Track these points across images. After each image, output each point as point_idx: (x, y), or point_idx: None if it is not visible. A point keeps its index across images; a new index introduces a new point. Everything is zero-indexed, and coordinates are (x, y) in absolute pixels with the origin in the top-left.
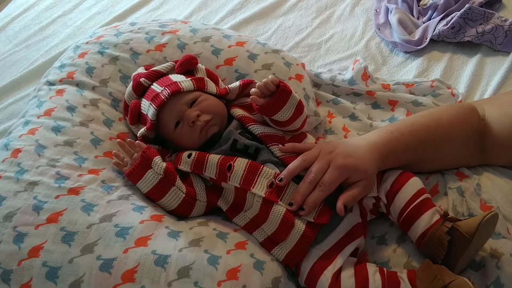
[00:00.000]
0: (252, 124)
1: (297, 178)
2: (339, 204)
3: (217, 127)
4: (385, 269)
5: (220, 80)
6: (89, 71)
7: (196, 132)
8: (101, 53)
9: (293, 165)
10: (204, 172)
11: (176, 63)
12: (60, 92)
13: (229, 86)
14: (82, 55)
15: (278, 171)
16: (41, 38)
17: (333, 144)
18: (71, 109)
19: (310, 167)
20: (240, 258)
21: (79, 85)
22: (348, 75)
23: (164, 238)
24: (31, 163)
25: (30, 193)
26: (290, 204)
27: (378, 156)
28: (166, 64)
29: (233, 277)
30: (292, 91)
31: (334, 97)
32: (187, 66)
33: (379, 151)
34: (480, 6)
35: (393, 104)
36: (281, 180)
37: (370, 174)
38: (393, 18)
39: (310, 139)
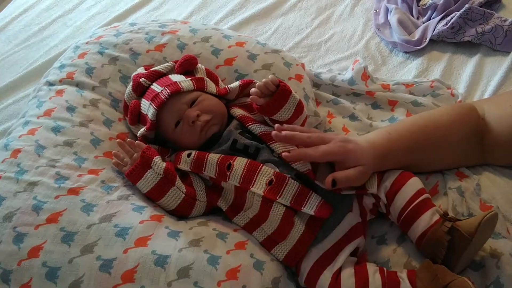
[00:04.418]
0: (252, 124)
1: (298, 177)
2: (329, 177)
3: (217, 127)
4: (385, 268)
5: (220, 80)
6: (89, 71)
7: (196, 132)
8: (101, 53)
9: (298, 134)
10: (204, 171)
11: (176, 63)
12: (60, 92)
13: (229, 86)
14: (82, 55)
15: (277, 170)
16: (41, 38)
17: (336, 133)
18: (71, 109)
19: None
20: (240, 258)
21: (79, 85)
22: (347, 75)
23: (164, 238)
24: (31, 163)
25: (30, 193)
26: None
27: (376, 154)
28: (166, 64)
29: (233, 277)
30: (292, 91)
31: (334, 97)
32: (187, 66)
33: (377, 151)
34: (479, 6)
35: (392, 104)
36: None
37: (366, 163)
38: (392, 18)
39: None
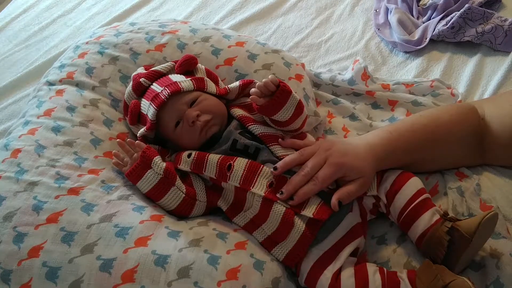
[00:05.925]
0: (252, 124)
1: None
2: (334, 199)
3: (217, 127)
4: (385, 269)
5: (220, 80)
6: (89, 71)
7: (196, 132)
8: (101, 53)
9: (290, 157)
10: (204, 171)
11: (176, 63)
12: (60, 92)
13: (229, 86)
14: (82, 55)
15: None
16: (41, 38)
17: (331, 142)
18: (71, 109)
19: (306, 162)
20: (240, 258)
21: (79, 85)
22: (347, 75)
23: (164, 238)
24: (31, 163)
25: (30, 193)
26: (281, 193)
27: (376, 156)
28: (166, 64)
29: (233, 277)
30: (292, 91)
31: (334, 97)
32: (187, 66)
33: (377, 151)
34: (479, 6)
35: (392, 104)
36: (275, 169)
37: (366, 173)
38: (392, 18)
39: (310, 139)
